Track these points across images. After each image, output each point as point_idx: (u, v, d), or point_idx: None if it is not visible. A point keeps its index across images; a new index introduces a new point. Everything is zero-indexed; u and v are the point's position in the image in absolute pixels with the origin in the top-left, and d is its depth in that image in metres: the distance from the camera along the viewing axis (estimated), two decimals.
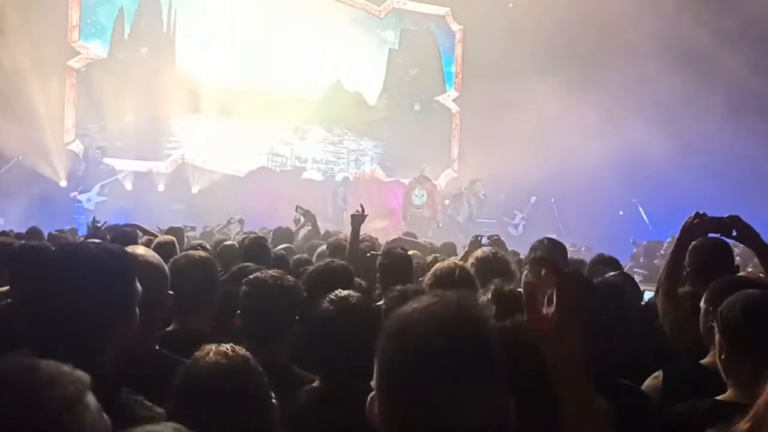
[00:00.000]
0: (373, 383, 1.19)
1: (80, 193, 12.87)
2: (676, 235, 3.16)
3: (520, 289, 1.87)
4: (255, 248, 4.79)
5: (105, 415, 1.01)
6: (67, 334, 1.57)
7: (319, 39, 16.29)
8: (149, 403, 1.76)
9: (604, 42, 14.58)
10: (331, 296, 2.43)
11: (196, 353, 1.82)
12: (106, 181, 13.05)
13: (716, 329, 2.07)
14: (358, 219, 5.10)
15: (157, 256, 2.41)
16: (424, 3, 17.77)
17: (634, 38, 14.26)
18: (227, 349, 1.81)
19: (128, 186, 13.83)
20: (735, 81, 13.58)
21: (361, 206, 5.36)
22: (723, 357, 2.07)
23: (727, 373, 2.07)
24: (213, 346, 1.82)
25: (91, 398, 0.96)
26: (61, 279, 1.66)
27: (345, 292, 2.45)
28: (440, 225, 14.76)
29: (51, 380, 0.94)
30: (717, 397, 2.06)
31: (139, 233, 6.37)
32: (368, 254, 4.81)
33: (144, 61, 14.44)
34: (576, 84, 14.06)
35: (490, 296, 2.09)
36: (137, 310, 1.76)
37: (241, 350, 1.84)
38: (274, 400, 1.82)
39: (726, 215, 3.02)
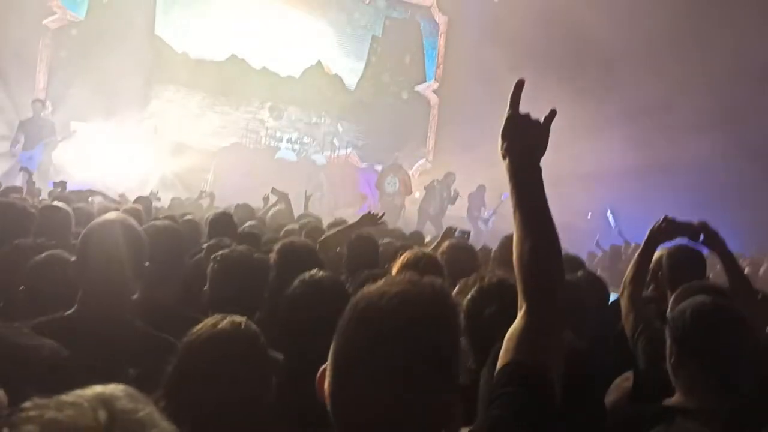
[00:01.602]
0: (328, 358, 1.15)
1: (14, 148, 12.08)
2: (640, 242, 3.20)
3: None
4: (221, 223, 4.72)
5: None
6: None
7: (301, 19, 16.14)
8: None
9: (581, 48, 14.73)
10: (304, 277, 2.41)
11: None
12: (49, 139, 12.27)
13: (667, 333, 2.11)
14: (368, 219, 4.91)
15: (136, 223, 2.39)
16: None
17: (611, 46, 14.41)
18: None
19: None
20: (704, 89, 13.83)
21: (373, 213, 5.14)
22: (672, 361, 2.10)
23: (676, 377, 2.10)
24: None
25: None
26: None
27: (318, 273, 2.44)
28: (405, 207, 14.75)
29: None
30: (665, 402, 2.09)
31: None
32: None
33: (122, 27, 14.13)
34: (550, 87, 14.16)
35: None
36: None
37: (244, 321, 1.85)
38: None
39: (696, 221, 3.08)
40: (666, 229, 3.01)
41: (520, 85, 1.61)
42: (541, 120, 1.62)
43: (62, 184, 8.47)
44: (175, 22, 14.87)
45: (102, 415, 0.71)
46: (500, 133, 1.63)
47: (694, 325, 2.02)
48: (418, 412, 1.08)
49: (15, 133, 12.14)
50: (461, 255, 3.52)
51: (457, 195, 14.59)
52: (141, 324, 2.22)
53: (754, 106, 13.47)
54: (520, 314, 1.41)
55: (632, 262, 3.07)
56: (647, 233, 3.09)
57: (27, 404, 0.71)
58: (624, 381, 2.51)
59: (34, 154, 12.03)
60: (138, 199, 7.33)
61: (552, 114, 1.64)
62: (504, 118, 1.63)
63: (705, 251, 3.29)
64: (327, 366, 1.15)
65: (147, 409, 0.75)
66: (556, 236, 1.50)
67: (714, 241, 3.05)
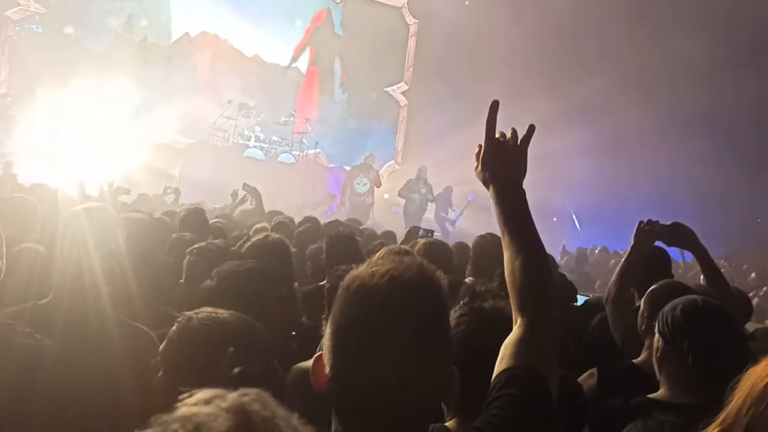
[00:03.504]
0: (324, 343, 1.18)
1: None
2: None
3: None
4: (192, 219, 4.63)
5: None
6: None
7: (274, 18, 16.10)
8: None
9: (551, 53, 14.93)
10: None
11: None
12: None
13: (656, 329, 2.14)
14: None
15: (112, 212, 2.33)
16: None
17: (583, 52, 14.64)
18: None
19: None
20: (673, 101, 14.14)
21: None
22: (659, 356, 2.14)
23: (661, 372, 2.14)
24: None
25: None
26: None
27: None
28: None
29: None
30: (649, 395, 2.13)
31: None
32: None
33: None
34: (521, 90, 14.32)
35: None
36: None
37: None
38: None
39: (670, 223, 3.14)
40: (650, 231, 3.06)
41: (494, 109, 1.65)
42: (519, 139, 1.68)
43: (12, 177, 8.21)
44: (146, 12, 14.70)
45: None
46: (480, 161, 1.67)
47: (686, 322, 2.06)
48: (419, 379, 1.13)
49: None
50: (437, 253, 3.52)
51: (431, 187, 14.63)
52: (115, 314, 2.17)
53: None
54: (516, 327, 1.47)
55: (619, 266, 3.11)
56: (633, 236, 3.13)
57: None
58: (588, 378, 2.54)
59: None
60: (101, 194, 7.15)
61: (530, 132, 1.71)
62: (482, 146, 1.67)
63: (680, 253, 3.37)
64: (323, 352, 1.18)
65: (280, 412, 0.77)
66: (545, 253, 1.58)
67: (689, 240, 3.11)
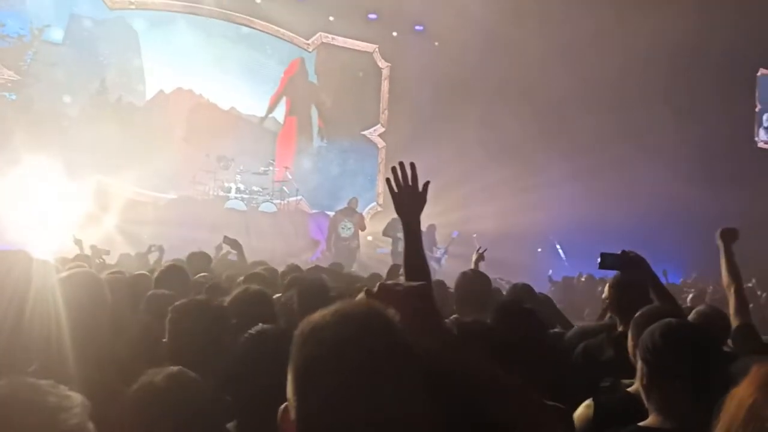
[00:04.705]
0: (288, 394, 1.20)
1: None
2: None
3: None
4: (171, 276, 4.46)
5: None
6: None
7: (246, 70, 16.35)
8: None
9: (523, 87, 15.22)
10: (251, 331, 2.38)
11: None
12: None
13: (638, 356, 2.15)
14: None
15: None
16: (352, 39, 18.04)
17: (553, 83, 14.94)
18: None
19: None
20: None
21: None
22: (644, 383, 2.13)
23: (649, 399, 2.13)
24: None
25: None
26: None
27: (262, 327, 2.40)
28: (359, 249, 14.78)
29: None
30: (640, 423, 2.12)
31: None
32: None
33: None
34: (495, 125, 14.57)
35: None
36: None
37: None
38: None
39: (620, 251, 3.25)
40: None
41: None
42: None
43: None
44: (123, 65, 14.88)
45: None
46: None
47: (664, 345, 2.06)
48: (388, 412, 1.13)
49: None
50: None
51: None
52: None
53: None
54: None
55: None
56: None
57: None
58: (585, 409, 2.53)
59: None
60: (77, 257, 7.07)
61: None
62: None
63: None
64: (288, 402, 1.20)
65: None
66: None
67: (640, 267, 3.20)
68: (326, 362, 1.15)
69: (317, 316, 1.22)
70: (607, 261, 3.21)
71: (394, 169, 2.49)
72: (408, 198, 2.50)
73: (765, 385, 1.35)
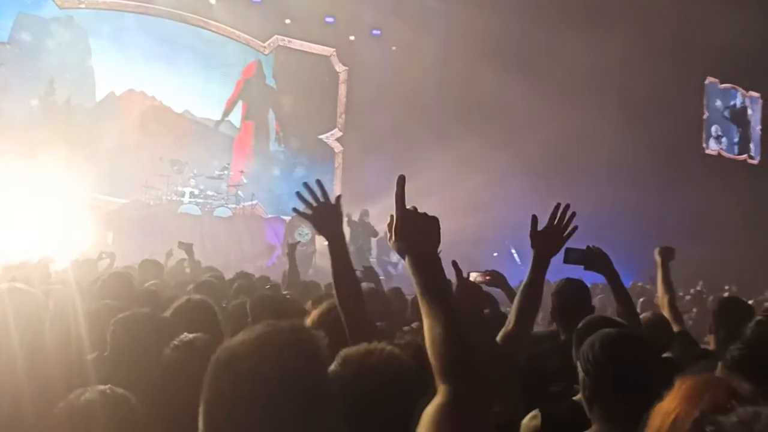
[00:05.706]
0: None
1: None
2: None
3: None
4: (114, 285, 4.38)
5: None
6: None
7: (202, 73, 16.12)
8: None
9: (479, 94, 15.37)
10: (175, 342, 2.32)
11: None
12: None
13: (579, 367, 2.15)
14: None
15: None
16: (309, 42, 17.96)
17: (508, 90, 15.12)
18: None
19: None
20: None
21: None
22: (586, 394, 2.13)
23: (591, 409, 2.13)
24: None
25: None
26: None
27: (188, 337, 2.34)
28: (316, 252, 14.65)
29: None
30: None
31: None
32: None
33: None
34: (453, 135, 14.66)
35: None
36: None
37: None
38: None
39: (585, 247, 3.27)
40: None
41: (401, 183, 1.68)
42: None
43: None
44: (71, 72, 14.47)
45: None
46: (394, 232, 1.67)
47: (604, 356, 2.06)
48: None
49: None
50: (375, 302, 3.50)
51: (372, 229, 14.60)
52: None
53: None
54: (438, 394, 1.41)
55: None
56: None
57: None
58: (531, 419, 2.53)
59: None
60: (22, 265, 6.82)
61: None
62: (393, 217, 1.68)
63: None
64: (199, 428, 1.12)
65: None
66: (460, 319, 1.54)
67: (603, 264, 3.29)
68: (239, 402, 1.07)
69: (238, 340, 1.13)
70: (571, 256, 3.20)
71: (300, 195, 2.47)
72: (324, 217, 2.49)
73: (688, 399, 1.35)
